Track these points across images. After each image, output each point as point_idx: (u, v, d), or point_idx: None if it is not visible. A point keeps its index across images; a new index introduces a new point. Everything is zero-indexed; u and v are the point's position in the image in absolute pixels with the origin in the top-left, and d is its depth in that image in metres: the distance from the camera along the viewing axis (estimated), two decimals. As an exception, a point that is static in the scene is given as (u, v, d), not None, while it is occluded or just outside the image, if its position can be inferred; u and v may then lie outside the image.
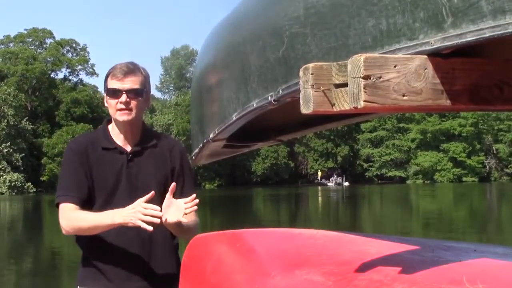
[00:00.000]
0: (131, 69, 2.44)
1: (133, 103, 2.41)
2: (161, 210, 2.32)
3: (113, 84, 2.42)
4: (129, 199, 2.42)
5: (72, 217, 2.38)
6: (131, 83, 2.41)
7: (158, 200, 2.45)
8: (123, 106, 2.40)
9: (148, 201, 2.38)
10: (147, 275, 2.45)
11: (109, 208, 2.42)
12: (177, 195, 2.51)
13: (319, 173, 68.82)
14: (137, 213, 2.25)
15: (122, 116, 2.41)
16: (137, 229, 2.38)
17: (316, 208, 31.11)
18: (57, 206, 2.43)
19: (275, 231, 2.15)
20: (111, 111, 2.44)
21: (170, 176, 2.50)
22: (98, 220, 2.35)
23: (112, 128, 2.50)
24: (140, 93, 2.43)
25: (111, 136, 2.49)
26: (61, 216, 2.40)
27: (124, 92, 2.39)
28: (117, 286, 2.44)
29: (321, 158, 73.07)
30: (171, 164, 2.51)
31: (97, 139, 2.52)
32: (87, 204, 2.44)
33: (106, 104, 2.48)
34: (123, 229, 2.41)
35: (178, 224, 2.33)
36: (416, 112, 1.34)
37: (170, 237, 2.51)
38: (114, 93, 2.41)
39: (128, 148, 2.47)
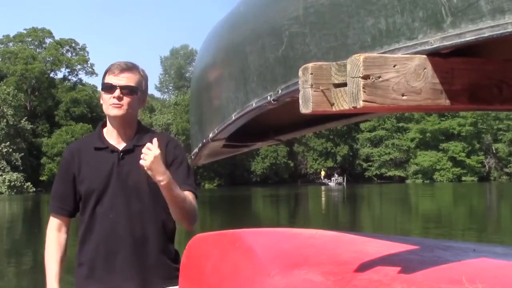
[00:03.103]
0: (129, 66, 2.46)
1: (126, 99, 2.42)
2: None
3: (109, 79, 2.44)
4: (121, 198, 2.44)
5: (47, 247, 2.55)
6: (127, 79, 2.43)
7: (151, 198, 2.45)
8: (116, 101, 2.41)
9: (139, 200, 2.40)
10: (140, 274, 2.45)
11: (101, 207, 2.44)
12: None
13: (322, 173, 68.54)
14: None
15: (114, 110, 2.42)
16: (129, 227, 2.38)
17: (315, 207, 31.11)
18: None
19: (275, 231, 2.15)
20: (105, 107, 2.46)
21: None
22: (46, 270, 2.52)
23: (107, 129, 2.53)
24: (135, 91, 2.44)
25: (104, 136, 2.51)
26: (48, 228, 2.56)
27: (118, 87, 2.41)
28: (109, 286, 2.45)
29: (321, 157, 73.08)
30: (165, 161, 2.50)
31: (91, 141, 2.56)
32: (79, 206, 2.53)
33: (101, 101, 2.50)
34: (114, 227, 2.42)
35: (168, 195, 2.33)
36: (415, 111, 1.34)
37: (163, 235, 2.50)
38: (109, 88, 2.43)
39: (120, 147, 2.48)
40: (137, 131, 2.52)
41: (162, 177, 2.29)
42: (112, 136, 2.50)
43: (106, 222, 2.44)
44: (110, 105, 2.42)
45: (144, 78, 2.50)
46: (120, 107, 2.42)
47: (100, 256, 2.46)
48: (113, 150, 2.47)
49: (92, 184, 2.45)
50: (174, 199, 2.35)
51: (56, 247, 2.53)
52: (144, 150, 2.28)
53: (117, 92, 2.40)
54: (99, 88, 2.57)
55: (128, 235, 2.42)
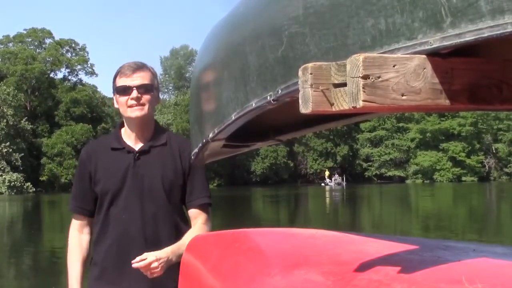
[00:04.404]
0: (139, 66, 2.44)
1: (145, 98, 2.40)
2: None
3: (122, 81, 2.40)
4: (135, 199, 2.43)
5: (69, 248, 2.55)
6: (141, 79, 2.40)
7: (166, 200, 2.44)
8: (134, 102, 2.39)
9: (154, 201, 2.40)
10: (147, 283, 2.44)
11: (115, 208, 2.43)
12: (188, 197, 2.51)
13: (326, 173, 68.17)
14: None
15: (134, 112, 2.40)
16: (142, 228, 2.38)
17: (315, 207, 31.10)
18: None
19: (274, 230, 2.15)
20: (122, 109, 2.43)
21: (181, 176, 2.49)
22: (68, 272, 2.52)
23: (124, 130, 2.51)
24: (151, 89, 2.42)
25: (121, 137, 2.50)
26: (70, 229, 2.56)
27: (134, 88, 2.38)
28: (120, 287, 2.45)
29: (321, 157, 73.10)
30: (182, 165, 2.49)
31: (108, 141, 2.55)
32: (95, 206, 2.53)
33: (116, 105, 2.47)
34: (127, 228, 2.42)
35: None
36: (415, 111, 1.34)
37: (176, 237, 2.49)
38: (124, 90, 2.39)
39: (137, 148, 2.47)
40: (154, 132, 2.51)
41: (172, 260, 2.34)
42: (130, 137, 2.49)
43: (120, 223, 2.44)
44: (129, 107, 2.40)
45: (155, 76, 2.50)
46: (141, 107, 2.40)
47: (112, 257, 2.45)
48: (130, 150, 2.46)
49: (107, 184, 2.45)
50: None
51: (77, 249, 2.52)
52: (148, 266, 2.29)
53: (135, 93, 2.38)
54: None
55: (140, 237, 2.42)
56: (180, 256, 2.33)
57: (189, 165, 2.49)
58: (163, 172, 2.46)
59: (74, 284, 2.49)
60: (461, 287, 1.15)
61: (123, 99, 2.40)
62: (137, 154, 2.46)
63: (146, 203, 2.43)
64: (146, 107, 2.41)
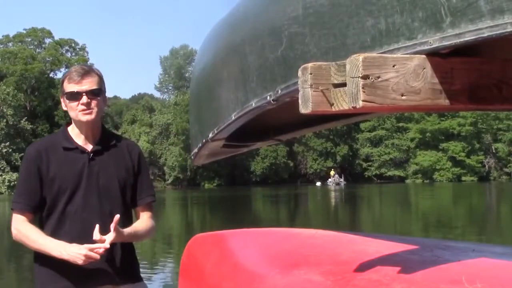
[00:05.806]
0: (87, 70, 2.53)
1: (94, 103, 2.50)
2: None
3: (72, 87, 2.50)
4: (93, 198, 2.48)
5: (22, 231, 2.51)
6: (89, 84, 2.50)
7: (120, 198, 2.51)
8: (84, 107, 2.48)
9: (110, 200, 2.43)
10: (111, 273, 2.47)
11: (72, 206, 2.46)
12: (138, 195, 2.58)
13: (332, 172, 67.81)
14: (79, 258, 2.34)
15: (85, 116, 2.49)
16: (101, 225, 2.38)
17: (315, 207, 31.11)
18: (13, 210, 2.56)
19: (274, 230, 2.15)
20: (73, 114, 2.52)
21: (132, 175, 2.58)
22: (39, 243, 2.46)
23: (72, 130, 2.57)
24: (98, 93, 2.53)
25: (71, 137, 2.56)
26: (12, 225, 2.53)
27: (84, 93, 2.48)
28: (78, 285, 2.45)
29: (320, 157, 73.06)
30: (131, 164, 2.60)
31: (58, 141, 2.59)
32: (44, 207, 2.52)
33: (65, 108, 2.57)
34: (86, 226, 2.41)
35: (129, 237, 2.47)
36: (415, 111, 1.35)
37: None
38: (74, 96, 2.49)
39: (89, 148, 2.53)
40: (102, 132, 2.58)
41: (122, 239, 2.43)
42: (79, 137, 2.56)
43: (77, 221, 2.47)
44: (80, 111, 2.49)
45: (102, 79, 2.59)
46: (90, 112, 2.49)
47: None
48: (83, 151, 2.53)
49: (64, 183, 2.48)
50: (130, 239, 2.53)
51: (30, 225, 2.51)
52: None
53: (84, 99, 2.48)
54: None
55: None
56: (133, 237, 2.50)
57: (137, 164, 2.62)
58: (117, 172, 2.56)
59: (47, 240, 2.46)
60: (461, 287, 1.15)
61: (73, 104, 2.51)
62: (91, 154, 2.51)
63: (103, 202, 2.51)
64: (95, 110, 2.52)
